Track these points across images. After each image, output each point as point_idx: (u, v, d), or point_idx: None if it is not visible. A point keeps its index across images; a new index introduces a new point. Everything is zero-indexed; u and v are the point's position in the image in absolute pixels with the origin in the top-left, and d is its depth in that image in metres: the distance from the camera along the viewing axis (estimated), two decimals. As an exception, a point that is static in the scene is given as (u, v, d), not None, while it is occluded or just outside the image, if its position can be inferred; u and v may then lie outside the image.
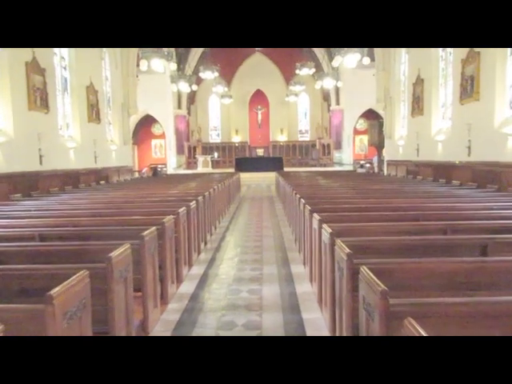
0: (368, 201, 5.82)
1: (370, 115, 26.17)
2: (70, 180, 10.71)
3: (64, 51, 11.20)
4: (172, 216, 4.26)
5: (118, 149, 14.59)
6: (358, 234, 3.51)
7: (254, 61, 27.61)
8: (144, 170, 22.43)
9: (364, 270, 2.06)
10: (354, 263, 2.43)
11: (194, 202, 5.67)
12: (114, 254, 2.55)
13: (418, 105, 12.27)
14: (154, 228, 3.48)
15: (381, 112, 24.08)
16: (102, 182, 11.72)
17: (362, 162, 25.75)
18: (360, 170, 16.17)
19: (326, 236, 3.23)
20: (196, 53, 23.88)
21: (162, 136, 26.68)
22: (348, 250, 2.47)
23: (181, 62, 23.47)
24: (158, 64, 11.02)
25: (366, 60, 11.63)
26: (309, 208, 4.54)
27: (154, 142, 28.38)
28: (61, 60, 11.02)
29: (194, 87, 15.53)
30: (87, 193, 8.31)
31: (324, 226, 3.41)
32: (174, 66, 12.53)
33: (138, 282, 3.19)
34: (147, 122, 26.71)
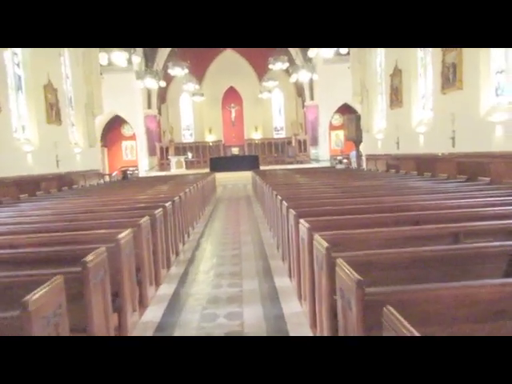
0: (356, 200, 5.24)
1: (345, 110, 25.84)
2: (29, 187, 9.76)
3: (16, 47, 10.22)
4: (131, 229, 3.55)
5: (83, 152, 13.63)
6: (357, 246, 2.91)
7: (226, 57, 26.84)
8: (114, 174, 21.38)
9: (390, 311, 1.44)
10: (365, 293, 1.81)
11: (161, 209, 4.97)
12: (34, 296, 1.84)
13: (396, 96, 11.85)
14: (102, 249, 2.76)
15: (356, 106, 23.86)
16: (65, 188, 10.79)
17: (339, 158, 25.45)
18: (339, 166, 15.71)
19: (320, 251, 2.61)
20: (164, 50, 22.97)
21: (133, 137, 25.65)
22: (357, 277, 1.84)
23: (148, 59, 22.53)
24: (120, 57, 10.17)
25: (344, 49, 11.05)
26: (293, 213, 3.91)
27: (124, 143, 27.27)
28: (13, 56, 10.04)
29: (162, 83, 14.66)
30: (44, 202, 7.45)
31: (316, 237, 2.78)
32: (137, 59, 11.68)
33: (83, 321, 2.48)
34: (116, 123, 25.62)
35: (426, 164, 10.08)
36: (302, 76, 13.83)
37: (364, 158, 15.39)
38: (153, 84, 13.77)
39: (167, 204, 5.36)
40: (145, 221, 4.02)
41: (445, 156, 9.13)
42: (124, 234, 3.28)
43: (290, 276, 4.41)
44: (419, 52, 10.66)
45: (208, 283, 4.48)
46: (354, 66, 14.67)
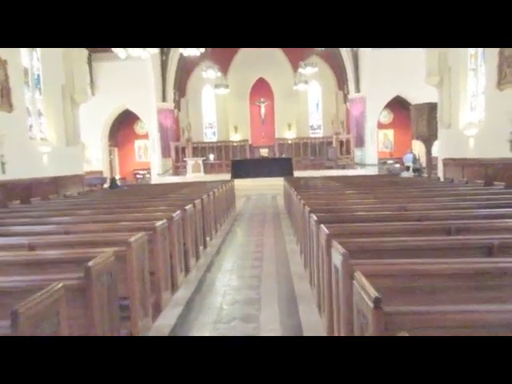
0: None
1: (396, 105, 21.57)
2: None
3: None
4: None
5: (55, 151, 10.08)
6: None
7: (255, 44, 22.91)
8: (117, 178, 17.91)
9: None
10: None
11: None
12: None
13: (510, 69, 7.61)
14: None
15: (410, 98, 19.48)
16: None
17: (390, 162, 21.19)
18: (405, 174, 11.56)
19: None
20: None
21: (147, 136, 22.23)
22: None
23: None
24: None
25: None
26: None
27: (137, 143, 23.90)
28: None
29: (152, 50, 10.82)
30: None
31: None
32: None
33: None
34: (129, 119, 22.28)
35: None
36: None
37: (440, 163, 11.09)
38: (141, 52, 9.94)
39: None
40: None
41: None
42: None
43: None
44: None
45: None
46: (429, 34, 10.44)
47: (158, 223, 3.79)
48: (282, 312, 3.59)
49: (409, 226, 3.67)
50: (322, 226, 3.14)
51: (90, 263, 2.30)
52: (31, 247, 3.50)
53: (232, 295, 4.09)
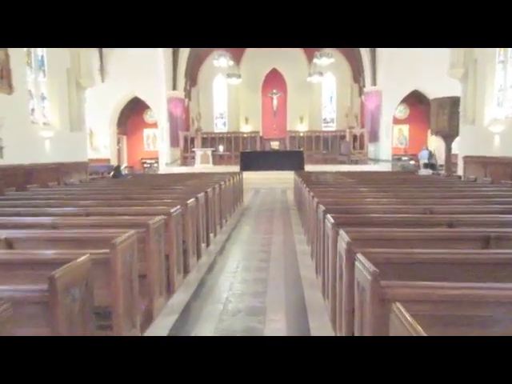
0: None
1: (412, 101, 20.82)
2: None
3: None
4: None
5: (58, 136, 9.69)
6: None
7: (269, 33, 22.25)
8: (123, 167, 17.58)
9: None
10: None
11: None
12: None
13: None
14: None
15: (428, 93, 18.74)
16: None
17: (405, 158, 20.55)
18: (423, 172, 10.98)
19: None
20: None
21: (156, 125, 21.81)
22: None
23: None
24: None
25: None
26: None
27: (146, 131, 23.48)
28: None
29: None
30: None
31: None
32: None
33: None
34: (138, 107, 21.86)
35: None
36: None
37: (461, 161, 10.49)
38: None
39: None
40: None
41: None
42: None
43: None
44: None
45: None
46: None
47: (153, 220, 3.35)
48: (289, 327, 3.14)
49: (439, 232, 3.20)
50: (342, 231, 2.68)
51: (56, 272, 1.85)
52: (8, 243, 3.09)
53: (234, 303, 3.65)
